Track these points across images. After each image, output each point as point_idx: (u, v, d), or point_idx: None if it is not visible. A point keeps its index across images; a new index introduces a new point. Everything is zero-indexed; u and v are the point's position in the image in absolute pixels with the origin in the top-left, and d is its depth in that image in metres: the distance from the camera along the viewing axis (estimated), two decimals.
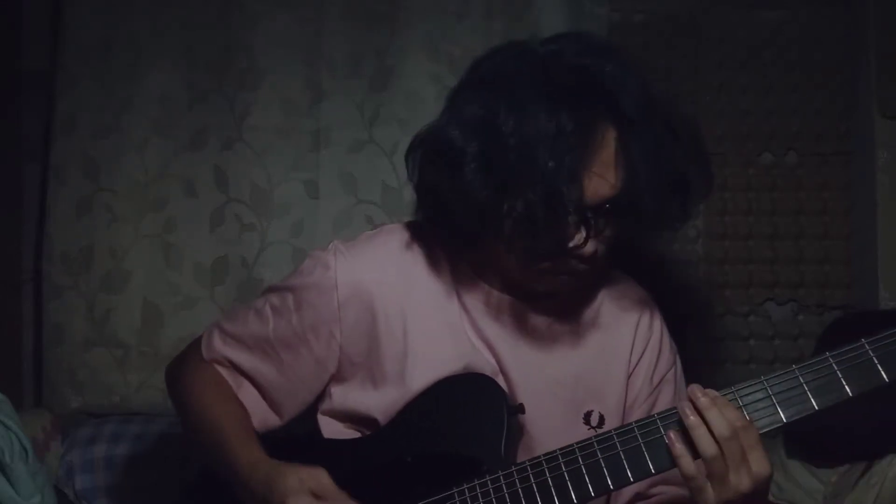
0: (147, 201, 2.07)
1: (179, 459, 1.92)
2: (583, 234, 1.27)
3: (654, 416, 1.23)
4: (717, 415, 1.16)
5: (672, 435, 1.18)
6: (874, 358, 1.17)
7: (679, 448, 1.17)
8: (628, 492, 1.39)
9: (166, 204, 2.07)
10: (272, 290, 1.48)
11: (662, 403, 1.43)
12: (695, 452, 1.16)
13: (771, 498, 1.81)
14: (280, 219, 2.06)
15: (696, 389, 1.19)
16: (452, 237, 1.36)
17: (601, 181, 1.26)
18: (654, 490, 1.40)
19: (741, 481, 1.15)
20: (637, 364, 1.45)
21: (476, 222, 1.29)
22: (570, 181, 1.22)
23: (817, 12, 2.08)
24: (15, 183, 2.15)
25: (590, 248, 1.29)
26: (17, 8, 2.14)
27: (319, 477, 1.26)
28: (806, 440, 1.82)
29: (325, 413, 1.45)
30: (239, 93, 2.06)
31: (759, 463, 1.16)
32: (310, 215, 2.05)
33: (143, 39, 2.07)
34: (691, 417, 1.17)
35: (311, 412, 1.46)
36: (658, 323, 1.48)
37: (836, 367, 1.18)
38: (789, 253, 2.08)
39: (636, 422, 1.24)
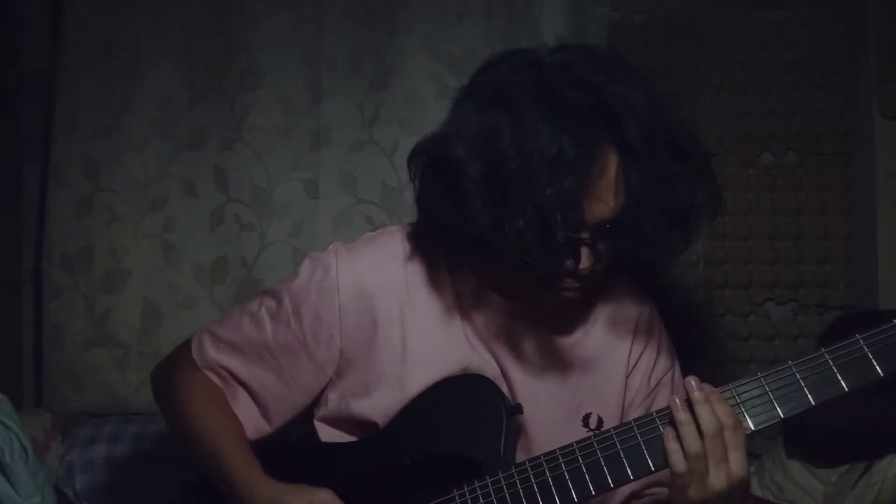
0: (147, 201, 2.07)
1: (179, 459, 1.90)
2: (581, 257, 1.26)
3: (652, 413, 1.24)
4: (707, 411, 1.18)
5: (668, 431, 1.20)
6: (869, 353, 1.18)
7: (673, 445, 1.19)
8: (622, 492, 1.39)
9: (166, 204, 2.07)
10: (267, 293, 1.46)
11: (658, 406, 1.43)
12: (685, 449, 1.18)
13: (771, 498, 1.81)
14: (280, 219, 2.05)
15: (691, 381, 1.20)
16: (452, 248, 1.36)
17: (600, 204, 1.24)
18: (649, 490, 1.40)
19: (718, 481, 1.17)
20: (635, 365, 1.44)
21: (474, 243, 1.28)
22: (568, 207, 1.21)
23: (817, 12, 2.08)
24: (15, 183, 2.15)
25: (586, 268, 1.28)
26: (17, 8, 2.14)
27: (328, 500, 1.26)
28: (806, 440, 1.82)
29: (321, 420, 1.44)
30: (239, 93, 2.06)
31: (737, 464, 1.17)
32: (310, 215, 2.05)
33: (143, 39, 2.06)
34: (682, 414, 1.19)
35: (306, 417, 1.45)
36: (657, 325, 1.48)
37: (831, 363, 1.19)
38: (789, 253, 2.08)
39: (635, 420, 1.25)
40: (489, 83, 1.30)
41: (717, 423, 1.17)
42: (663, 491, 1.38)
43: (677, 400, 1.20)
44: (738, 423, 1.18)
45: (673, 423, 1.20)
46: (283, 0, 2.06)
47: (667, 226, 1.28)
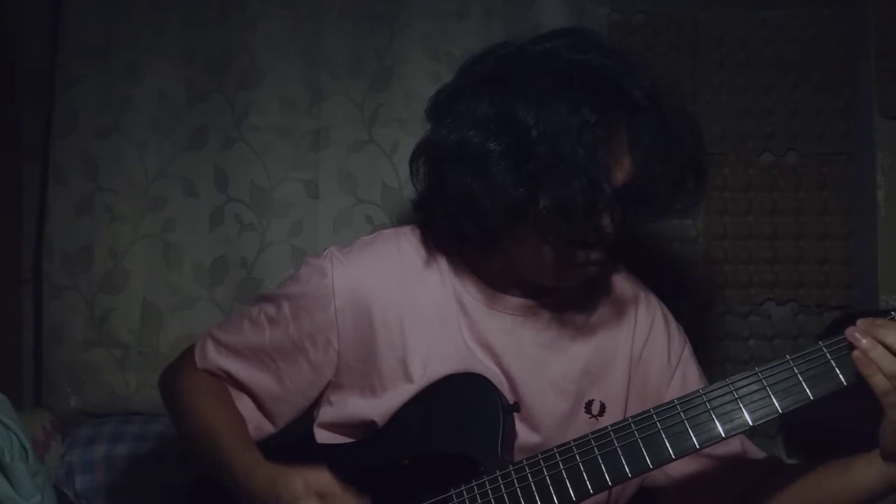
0: (147, 201, 2.07)
1: (179, 459, 1.92)
2: (609, 222, 1.28)
3: (650, 410, 1.24)
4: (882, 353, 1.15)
5: (857, 355, 1.16)
6: None
7: (870, 367, 1.15)
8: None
9: (166, 204, 2.07)
10: (266, 298, 1.47)
11: (692, 379, 1.45)
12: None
13: None
14: (280, 219, 2.05)
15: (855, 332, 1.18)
16: (473, 236, 1.35)
17: (618, 168, 1.27)
18: None
19: None
20: (644, 349, 1.45)
21: (509, 220, 1.29)
22: (602, 171, 1.24)
23: (817, 12, 2.08)
24: (15, 183, 2.15)
25: (612, 234, 1.30)
26: (18, 8, 2.14)
27: (324, 477, 1.25)
28: (806, 440, 1.82)
29: (321, 425, 1.44)
30: (239, 93, 2.06)
31: None
32: (310, 215, 2.05)
33: (143, 39, 2.06)
34: (864, 340, 1.16)
35: (305, 418, 1.46)
36: (658, 307, 1.50)
37: (829, 357, 1.19)
38: (789, 253, 2.08)
39: (633, 417, 1.25)
40: (482, 74, 1.32)
41: None
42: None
43: (856, 333, 1.17)
44: None
45: (860, 350, 1.16)
46: (283, 0, 2.06)
47: (678, 180, 1.31)
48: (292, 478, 1.26)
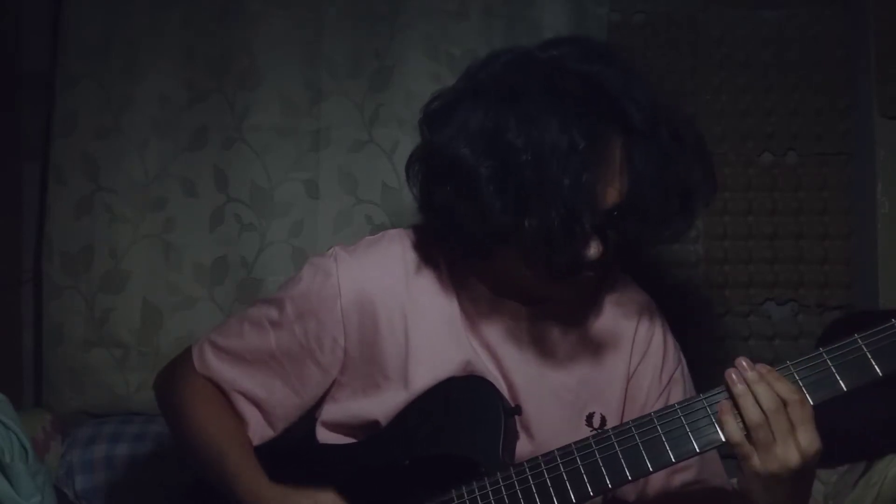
0: (147, 201, 2.07)
1: (179, 460, 1.91)
2: (597, 244, 1.27)
3: (650, 414, 1.24)
4: (764, 388, 1.17)
5: (725, 404, 1.19)
6: (867, 353, 1.18)
7: (728, 416, 1.18)
8: (654, 486, 1.40)
9: (166, 204, 2.07)
10: (268, 301, 1.46)
11: (674, 401, 1.44)
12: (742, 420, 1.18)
13: None
14: (280, 219, 2.05)
15: (742, 361, 1.20)
16: (462, 250, 1.34)
17: (611, 190, 1.26)
18: (677, 478, 1.41)
19: (789, 455, 1.15)
20: (640, 364, 1.44)
21: (492, 241, 1.28)
22: (587, 198, 1.22)
23: (817, 12, 2.08)
24: (15, 183, 2.15)
25: (600, 256, 1.28)
26: (18, 8, 2.14)
27: (331, 500, 1.26)
28: None
29: (324, 424, 1.44)
30: (239, 93, 2.06)
31: (807, 438, 1.16)
32: (310, 215, 2.05)
33: (143, 39, 2.06)
34: (738, 386, 1.18)
35: (306, 417, 1.46)
36: (658, 322, 1.48)
37: (830, 363, 1.19)
38: (789, 253, 2.08)
39: (633, 421, 1.25)
40: (484, 82, 1.30)
41: (778, 400, 1.16)
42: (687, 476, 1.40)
43: (733, 375, 1.19)
44: (804, 399, 1.17)
45: (731, 395, 1.19)
46: (283, 0, 2.06)
47: (671, 206, 1.29)
48: (301, 501, 1.26)
